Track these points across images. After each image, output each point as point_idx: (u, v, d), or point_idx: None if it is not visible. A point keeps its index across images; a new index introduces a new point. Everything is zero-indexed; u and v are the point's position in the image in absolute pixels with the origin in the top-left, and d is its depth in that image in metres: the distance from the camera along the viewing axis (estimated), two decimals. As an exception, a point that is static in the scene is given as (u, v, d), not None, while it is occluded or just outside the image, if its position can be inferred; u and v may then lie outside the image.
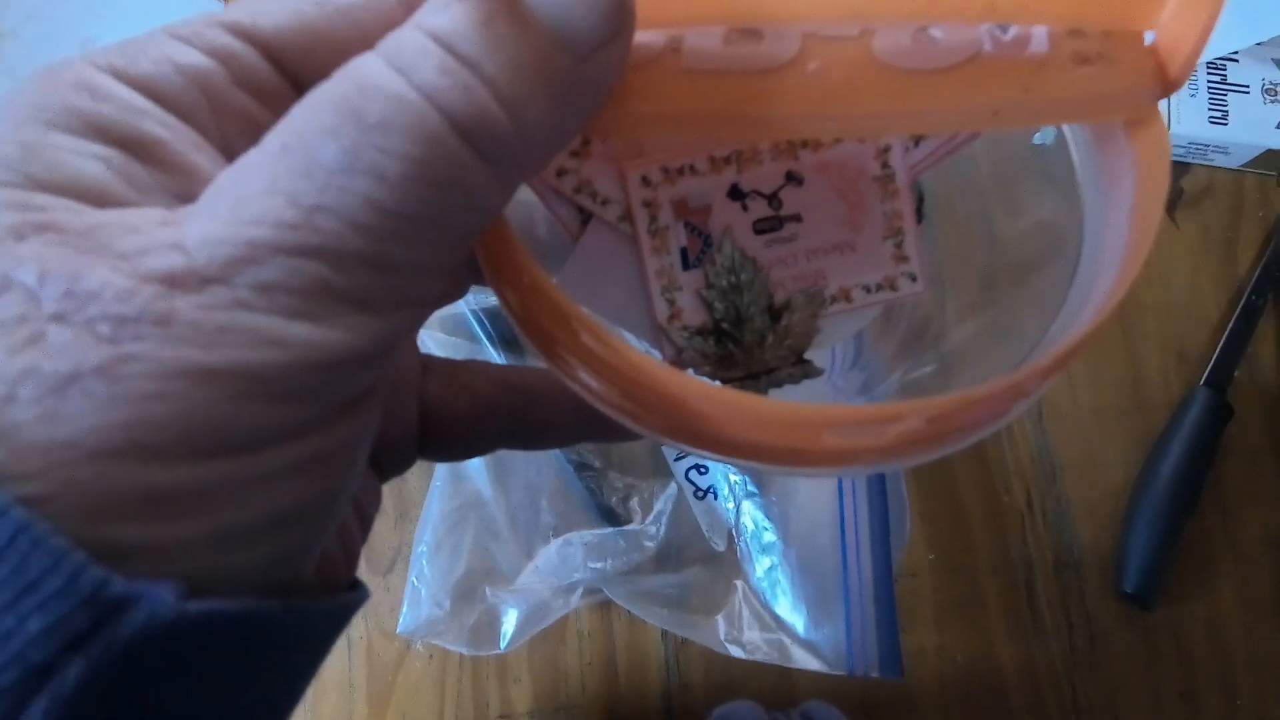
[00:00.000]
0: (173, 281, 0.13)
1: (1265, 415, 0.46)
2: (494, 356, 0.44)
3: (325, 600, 0.17)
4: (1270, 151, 0.48)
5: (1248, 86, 0.48)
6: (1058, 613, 0.43)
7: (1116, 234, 0.18)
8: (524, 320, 0.18)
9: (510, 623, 0.41)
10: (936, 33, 0.17)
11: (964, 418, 0.17)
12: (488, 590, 0.41)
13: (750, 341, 0.21)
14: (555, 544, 0.41)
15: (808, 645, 0.41)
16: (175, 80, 0.15)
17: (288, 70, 0.16)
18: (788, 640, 0.41)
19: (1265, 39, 0.47)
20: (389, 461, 0.22)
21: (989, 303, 0.25)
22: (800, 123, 0.17)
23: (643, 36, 0.15)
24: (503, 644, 0.40)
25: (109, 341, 0.12)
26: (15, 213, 0.13)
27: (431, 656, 0.42)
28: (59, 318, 0.12)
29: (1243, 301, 0.47)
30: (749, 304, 0.21)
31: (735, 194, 0.20)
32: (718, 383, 0.22)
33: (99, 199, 0.14)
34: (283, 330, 0.13)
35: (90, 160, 0.14)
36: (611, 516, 0.43)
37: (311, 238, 0.13)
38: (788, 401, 0.16)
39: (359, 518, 0.21)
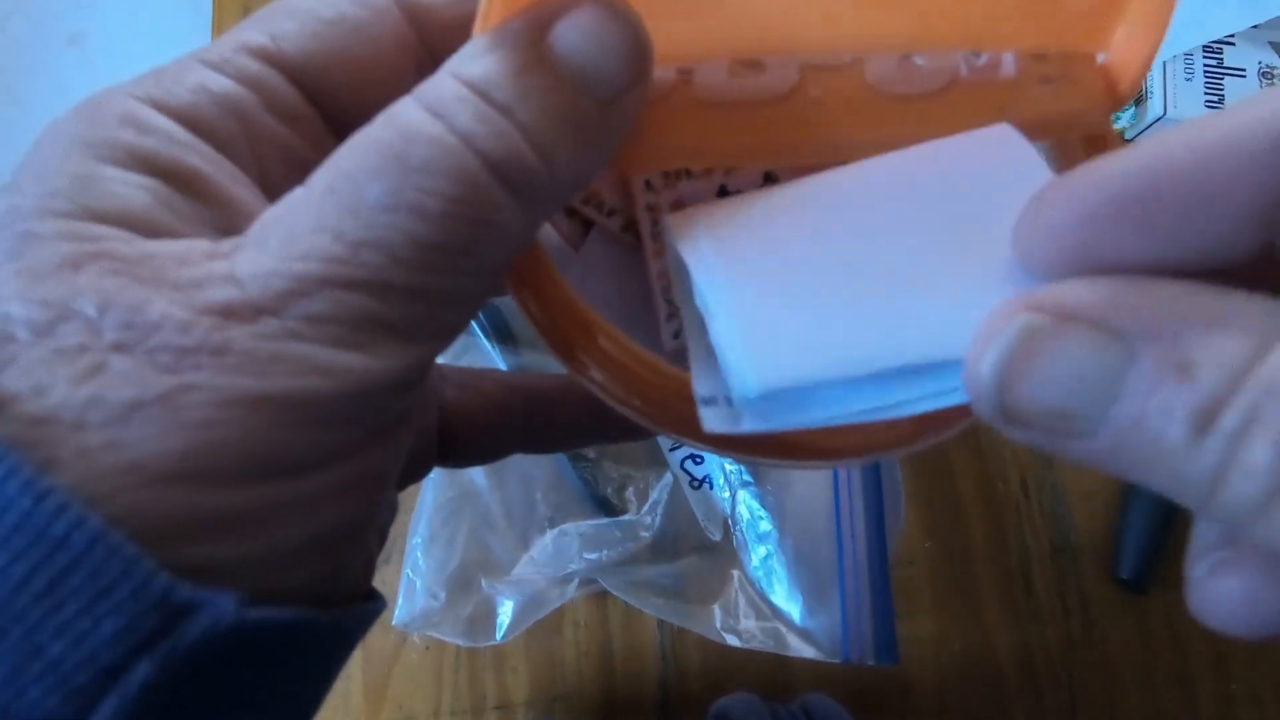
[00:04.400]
0: (228, 313, 0.13)
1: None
2: (486, 347, 0.44)
3: (360, 609, 0.17)
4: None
5: (1244, 70, 0.48)
6: (1054, 599, 0.43)
7: None
8: (544, 326, 0.19)
9: (506, 614, 0.41)
10: (919, 60, 0.18)
11: None
12: (483, 581, 0.41)
13: None
14: (551, 535, 0.41)
15: (803, 633, 0.41)
16: (212, 110, 0.16)
17: (310, 92, 0.17)
18: (783, 628, 0.41)
19: (1261, 22, 0.47)
20: (408, 470, 0.22)
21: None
22: (806, 148, 0.18)
23: (656, 72, 0.16)
24: (499, 635, 0.41)
25: (170, 371, 0.13)
26: (71, 242, 0.14)
27: (428, 648, 0.42)
28: (120, 347, 0.13)
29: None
30: None
31: (723, 195, 0.21)
32: None
33: (148, 229, 0.14)
34: (331, 359, 0.14)
35: (138, 191, 0.15)
36: (607, 507, 0.43)
37: (358, 272, 0.14)
38: None
39: (377, 530, 0.21)
